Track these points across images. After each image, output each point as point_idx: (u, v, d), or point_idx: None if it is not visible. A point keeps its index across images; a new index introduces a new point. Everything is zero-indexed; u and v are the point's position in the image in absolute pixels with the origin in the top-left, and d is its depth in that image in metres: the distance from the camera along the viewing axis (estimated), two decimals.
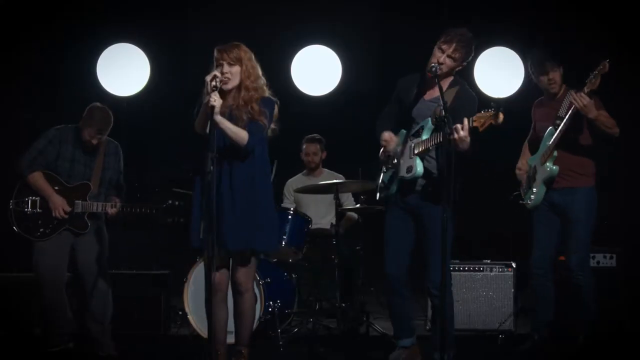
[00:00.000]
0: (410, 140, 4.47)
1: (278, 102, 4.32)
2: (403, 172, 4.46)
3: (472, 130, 4.14)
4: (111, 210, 5.03)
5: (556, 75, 5.03)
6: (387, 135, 4.51)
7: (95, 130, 5.01)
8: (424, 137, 4.40)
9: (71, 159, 5.06)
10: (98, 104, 5.12)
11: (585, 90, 4.74)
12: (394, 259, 4.55)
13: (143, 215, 5.08)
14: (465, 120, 4.13)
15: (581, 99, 4.73)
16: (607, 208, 5.19)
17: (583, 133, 4.96)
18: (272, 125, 4.31)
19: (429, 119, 4.39)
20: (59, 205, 4.97)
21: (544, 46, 5.19)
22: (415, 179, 4.44)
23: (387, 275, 4.56)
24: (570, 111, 4.83)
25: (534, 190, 5.04)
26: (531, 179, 5.08)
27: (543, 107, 5.14)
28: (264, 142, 4.28)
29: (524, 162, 5.23)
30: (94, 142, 5.04)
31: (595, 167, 5.02)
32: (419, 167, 4.40)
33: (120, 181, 5.23)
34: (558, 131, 4.88)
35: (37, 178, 5.00)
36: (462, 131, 4.11)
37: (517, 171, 5.25)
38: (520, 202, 5.19)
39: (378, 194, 4.63)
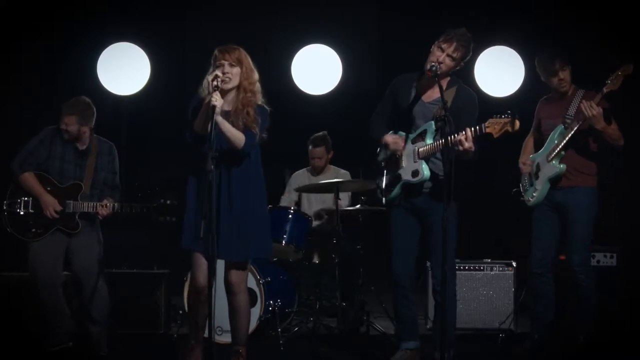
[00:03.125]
0: (413, 144, 4.47)
1: (268, 111, 4.32)
2: (407, 176, 4.46)
3: (485, 136, 4.17)
4: (102, 211, 5.01)
5: (566, 74, 5.02)
6: (390, 138, 4.49)
7: (72, 118, 4.98)
8: (428, 141, 4.39)
9: (61, 159, 5.05)
10: (83, 97, 5.14)
11: (605, 89, 4.72)
12: (402, 260, 4.55)
13: (135, 214, 5.07)
14: (468, 131, 4.15)
15: (590, 109, 4.72)
16: (607, 208, 5.19)
17: (591, 134, 4.95)
18: (264, 134, 4.30)
19: (432, 122, 4.38)
20: (50, 204, 4.97)
21: (553, 46, 5.17)
22: (422, 182, 4.44)
23: (396, 276, 4.56)
24: (577, 121, 4.82)
25: (537, 187, 5.04)
26: (533, 176, 5.08)
27: (551, 105, 5.12)
28: (257, 149, 4.30)
29: (527, 157, 5.21)
30: (72, 129, 4.99)
31: (598, 168, 5.02)
32: (426, 170, 4.41)
33: (115, 182, 5.21)
34: (571, 130, 4.86)
35: (28, 178, 5.00)
36: (466, 143, 4.13)
37: (522, 165, 5.20)
38: (521, 198, 5.19)
39: (383, 198, 4.60)
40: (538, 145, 5.14)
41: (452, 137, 4.14)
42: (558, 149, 4.92)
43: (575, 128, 4.86)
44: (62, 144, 5.07)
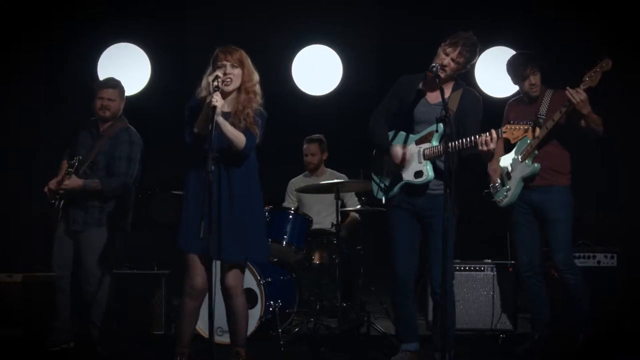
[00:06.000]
0: (417, 145, 4.46)
1: (266, 116, 4.33)
2: (410, 177, 4.46)
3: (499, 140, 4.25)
4: (67, 182, 5.00)
5: (537, 79, 5.03)
6: (402, 152, 4.44)
7: (115, 91, 5.19)
8: (435, 142, 4.39)
9: (82, 144, 5.18)
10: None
11: (582, 87, 4.72)
12: (404, 260, 4.54)
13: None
14: (494, 132, 4.16)
15: (578, 95, 4.71)
16: (608, 208, 5.20)
17: (564, 132, 4.96)
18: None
19: (440, 124, 4.35)
20: (48, 184, 5.09)
21: (523, 52, 5.19)
22: (426, 184, 4.44)
23: (397, 277, 4.54)
24: (560, 110, 4.81)
25: (509, 187, 5.03)
26: (505, 177, 5.07)
27: (520, 106, 5.12)
28: (255, 151, 4.30)
29: (497, 163, 5.17)
30: (114, 105, 5.15)
31: (571, 166, 5.04)
32: (431, 171, 4.40)
33: (117, 168, 5.13)
34: (546, 130, 4.86)
35: (62, 166, 5.18)
36: (492, 144, 4.14)
37: (492, 173, 5.18)
38: (492, 200, 5.19)
39: (383, 198, 4.60)
40: (507, 147, 5.13)
41: (467, 139, 4.18)
42: (531, 148, 4.92)
43: (552, 126, 4.85)
44: (86, 131, 5.21)
